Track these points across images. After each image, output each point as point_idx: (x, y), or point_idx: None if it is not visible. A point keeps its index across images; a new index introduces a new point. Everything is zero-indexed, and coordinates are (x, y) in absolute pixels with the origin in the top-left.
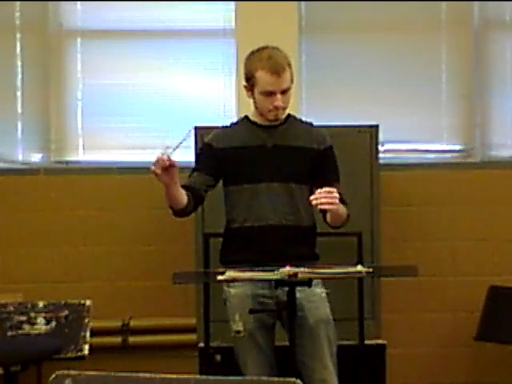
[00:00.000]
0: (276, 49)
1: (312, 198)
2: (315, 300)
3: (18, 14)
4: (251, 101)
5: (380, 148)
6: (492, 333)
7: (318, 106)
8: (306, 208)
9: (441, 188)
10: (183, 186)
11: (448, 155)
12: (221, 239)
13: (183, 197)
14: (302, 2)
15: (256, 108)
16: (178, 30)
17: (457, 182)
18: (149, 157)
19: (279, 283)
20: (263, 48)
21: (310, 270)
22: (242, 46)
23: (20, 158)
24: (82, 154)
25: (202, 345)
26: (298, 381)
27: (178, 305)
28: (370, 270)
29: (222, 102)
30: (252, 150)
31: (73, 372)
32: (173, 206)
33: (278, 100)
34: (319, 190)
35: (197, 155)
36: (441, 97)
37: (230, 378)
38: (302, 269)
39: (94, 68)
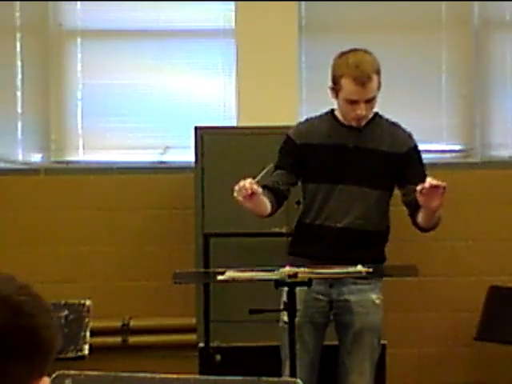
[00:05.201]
0: (366, 54)
1: (419, 188)
2: (366, 306)
3: (17, 14)
4: (335, 101)
5: None
6: (492, 333)
7: (318, 106)
8: (379, 214)
9: None
10: (267, 186)
11: (448, 155)
12: (220, 239)
13: (266, 208)
14: (302, 2)
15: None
16: (178, 29)
17: (457, 181)
18: (149, 157)
19: (279, 283)
20: (353, 51)
21: (310, 270)
22: (242, 46)
23: (20, 158)
24: (82, 154)
25: (202, 345)
26: (298, 381)
27: (178, 305)
28: (370, 270)
29: (222, 102)
30: (332, 150)
31: (73, 372)
32: (257, 215)
33: (362, 109)
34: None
35: (280, 149)
36: (441, 97)
37: (230, 378)
38: (302, 269)
39: (94, 68)
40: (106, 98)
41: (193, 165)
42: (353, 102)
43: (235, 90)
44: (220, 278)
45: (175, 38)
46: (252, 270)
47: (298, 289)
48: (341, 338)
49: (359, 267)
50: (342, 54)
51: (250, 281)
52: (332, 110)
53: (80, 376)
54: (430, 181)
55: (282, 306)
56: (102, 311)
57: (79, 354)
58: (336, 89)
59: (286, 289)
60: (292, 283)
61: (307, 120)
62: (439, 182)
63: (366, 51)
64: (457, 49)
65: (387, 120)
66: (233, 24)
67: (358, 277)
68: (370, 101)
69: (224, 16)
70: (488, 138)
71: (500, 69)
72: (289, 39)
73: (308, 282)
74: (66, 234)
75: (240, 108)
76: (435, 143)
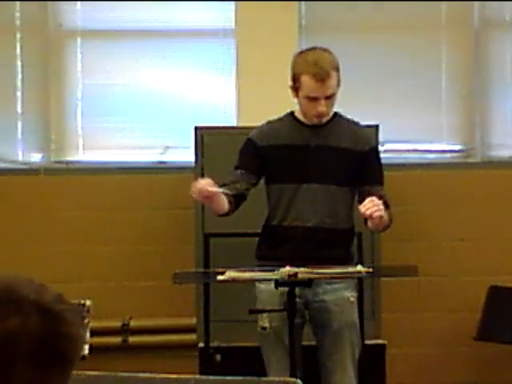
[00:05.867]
0: (324, 52)
1: (361, 207)
2: (342, 304)
3: (18, 14)
4: (296, 100)
5: (380, 148)
6: (492, 333)
7: None
8: (346, 210)
9: (441, 188)
10: (226, 185)
11: (448, 155)
12: (220, 239)
13: (224, 206)
14: (302, 2)
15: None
16: (178, 29)
17: (457, 181)
18: (149, 157)
19: (279, 283)
20: (311, 50)
21: (310, 270)
22: (242, 46)
23: (20, 158)
24: (82, 154)
25: (202, 345)
26: (299, 381)
27: (178, 305)
28: (370, 269)
29: (222, 101)
30: (295, 150)
31: (73, 372)
32: (217, 213)
33: (322, 106)
34: (366, 201)
35: (240, 150)
36: (441, 97)
37: (230, 378)
38: (301, 269)
39: (94, 68)
40: (106, 98)
41: (193, 165)
42: (313, 99)
43: (235, 89)
44: (220, 278)
45: (175, 38)
46: (252, 270)
47: (272, 294)
48: (319, 340)
49: (359, 267)
50: (301, 52)
51: (250, 281)
52: (292, 112)
53: (80, 376)
54: (363, 211)
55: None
56: (102, 311)
57: None
58: (296, 87)
59: (259, 295)
60: (292, 283)
61: (268, 122)
62: (369, 213)
63: (324, 49)
64: (457, 49)
65: (348, 119)
66: (233, 24)
67: (358, 277)
68: (330, 97)
69: (224, 16)
70: (488, 138)
71: (500, 69)
72: (289, 39)
73: (308, 282)
74: (66, 234)
75: (240, 108)
76: (435, 143)
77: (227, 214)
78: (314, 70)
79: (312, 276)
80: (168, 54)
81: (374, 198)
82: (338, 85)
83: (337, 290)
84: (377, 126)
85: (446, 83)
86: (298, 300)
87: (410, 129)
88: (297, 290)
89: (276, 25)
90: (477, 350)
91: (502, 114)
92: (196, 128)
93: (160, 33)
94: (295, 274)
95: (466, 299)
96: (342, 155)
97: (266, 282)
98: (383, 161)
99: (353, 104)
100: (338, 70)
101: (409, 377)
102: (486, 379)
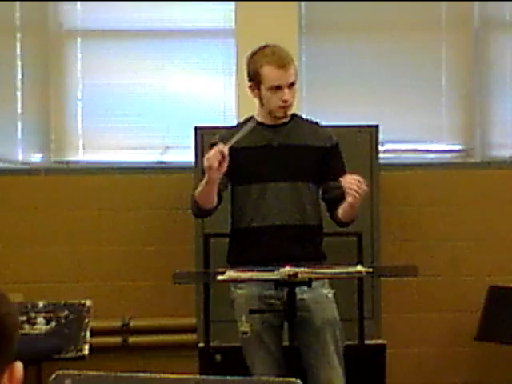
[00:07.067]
0: (277, 45)
1: (344, 181)
2: (321, 301)
3: (17, 14)
4: (256, 100)
5: (380, 148)
6: (492, 333)
7: (318, 105)
8: (313, 207)
9: (441, 188)
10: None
11: (448, 155)
12: (220, 239)
13: (215, 196)
14: (302, 2)
15: (262, 107)
16: (178, 29)
17: (457, 181)
18: (149, 157)
19: (279, 283)
20: (264, 46)
21: (310, 270)
22: (242, 46)
23: (20, 158)
24: (82, 154)
25: (201, 345)
26: (298, 381)
27: (178, 305)
28: (370, 270)
29: (222, 102)
30: (258, 150)
31: (73, 372)
32: (204, 205)
33: (286, 94)
34: (351, 176)
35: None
36: (441, 97)
37: (230, 378)
38: (302, 269)
39: (94, 68)
40: (106, 98)
41: (193, 165)
42: (277, 89)
43: (235, 89)
44: (220, 278)
45: (175, 38)
46: (252, 270)
47: (249, 298)
48: (303, 339)
49: (359, 267)
50: (255, 51)
51: (250, 281)
52: (251, 117)
53: (80, 376)
54: (347, 185)
55: (241, 318)
56: (102, 311)
57: (79, 354)
58: (257, 83)
59: (236, 301)
60: (292, 283)
61: (229, 128)
62: (352, 189)
63: (275, 45)
64: (457, 49)
65: (306, 119)
66: (233, 24)
67: (358, 277)
68: (292, 86)
69: (224, 16)
70: (488, 138)
71: (500, 69)
72: (289, 39)
73: (308, 282)
74: (66, 234)
75: (240, 108)
76: (435, 143)
77: (210, 213)
78: (274, 59)
79: (312, 276)
80: (168, 54)
81: (359, 177)
82: (296, 75)
83: (314, 288)
84: (377, 126)
85: (446, 83)
86: (275, 302)
87: (410, 129)
88: (274, 293)
89: (276, 25)
90: (477, 350)
91: (502, 114)
92: (196, 128)
93: (160, 33)
94: (295, 274)
95: (466, 299)
96: (304, 152)
97: (241, 287)
98: (383, 161)
99: (353, 104)
100: (293, 61)
101: (409, 377)
102: (486, 379)
